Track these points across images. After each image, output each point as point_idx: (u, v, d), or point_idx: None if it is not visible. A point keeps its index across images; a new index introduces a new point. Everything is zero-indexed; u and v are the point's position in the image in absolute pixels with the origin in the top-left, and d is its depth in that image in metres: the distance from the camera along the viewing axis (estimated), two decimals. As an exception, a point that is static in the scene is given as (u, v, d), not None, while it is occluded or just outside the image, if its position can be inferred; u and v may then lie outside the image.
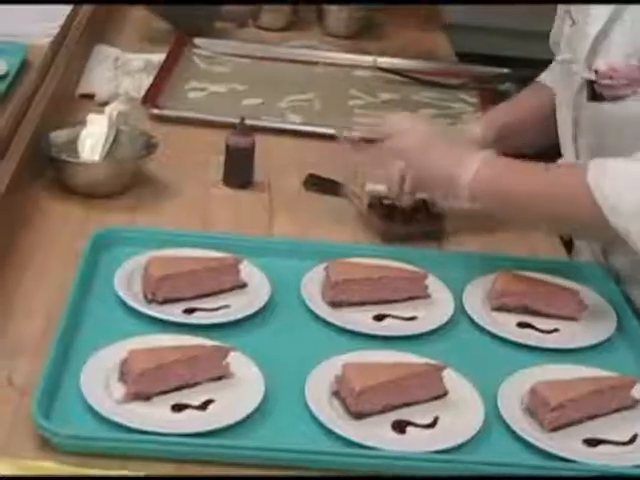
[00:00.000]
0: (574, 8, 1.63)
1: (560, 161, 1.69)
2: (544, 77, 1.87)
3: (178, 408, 1.23)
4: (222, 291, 1.46)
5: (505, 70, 2.48)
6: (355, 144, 1.78)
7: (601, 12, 1.52)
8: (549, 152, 1.90)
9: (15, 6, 2.13)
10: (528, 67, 2.60)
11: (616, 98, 1.50)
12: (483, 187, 1.51)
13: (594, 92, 1.53)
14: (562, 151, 1.69)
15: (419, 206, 1.75)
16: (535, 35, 2.94)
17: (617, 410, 1.31)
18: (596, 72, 1.52)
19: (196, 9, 2.55)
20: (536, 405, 1.28)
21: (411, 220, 1.72)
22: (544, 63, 2.82)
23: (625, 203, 1.37)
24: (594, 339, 1.44)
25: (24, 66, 2.08)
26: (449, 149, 1.58)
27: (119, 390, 1.24)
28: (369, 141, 1.69)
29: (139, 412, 1.22)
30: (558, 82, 1.72)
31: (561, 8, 1.75)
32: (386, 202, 1.76)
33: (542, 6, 2.98)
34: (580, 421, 1.28)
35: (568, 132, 1.64)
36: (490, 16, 2.94)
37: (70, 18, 2.28)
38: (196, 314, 1.41)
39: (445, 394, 1.30)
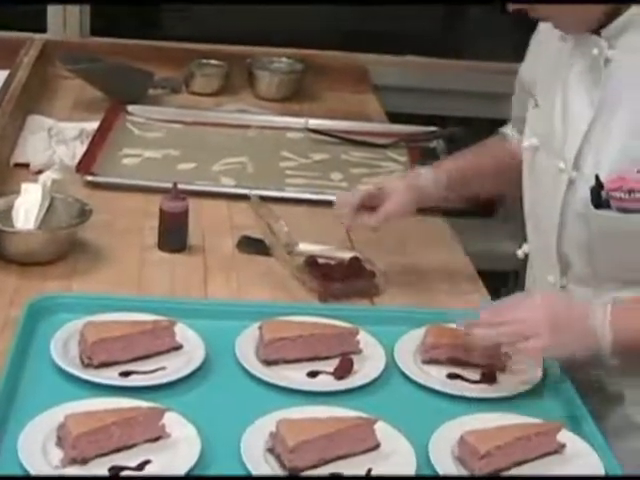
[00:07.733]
0: (538, 90, 1.59)
1: (527, 244, 1.66)
2: (508, 131, 1.83)
3: (115, 470, 1.25)
4: (158, 353, 1.48)
5: (433, 128, 2.54)
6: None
7: (584, 111, 1.45)
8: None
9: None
10: (455, 125, 2.69)
11: (625, 210, 1.41)
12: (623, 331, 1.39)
13: (599, 198, 1.43)
14: (527, 232, 1.64)
15: (353, 264, 1.80)
16: (462, 94, 3.04)
17: (544, 455, 1.35)
18: (597, 177, 1.43)
19: (129, 77, 2.59)
20: (466, 454, 1.31)
21: (346, 279, 1.76)
22: (471, 121, 2.91)
23: None
24: (521, 388, 1.48)
25: (-42, 138, 2.10)
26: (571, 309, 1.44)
27: (57, 455, 1.26)
28: None
29: (77, 476, 1.23)
30: (525, 166, 1.62)
31: (520, 84, 1.72)
32: (321, 262, 1.80)
33: (468, 66, 3.09)
34: (508, 468, 1.32)
35: (552, 224, 1.53)
36: (418, 77, 3.01)
37: (3, 90, 2.31)
38: (132, 377, 1.43)
39: (377, 446, 1.33)
